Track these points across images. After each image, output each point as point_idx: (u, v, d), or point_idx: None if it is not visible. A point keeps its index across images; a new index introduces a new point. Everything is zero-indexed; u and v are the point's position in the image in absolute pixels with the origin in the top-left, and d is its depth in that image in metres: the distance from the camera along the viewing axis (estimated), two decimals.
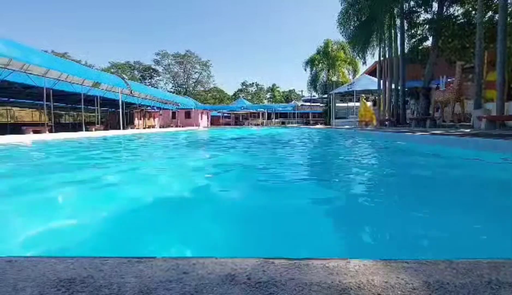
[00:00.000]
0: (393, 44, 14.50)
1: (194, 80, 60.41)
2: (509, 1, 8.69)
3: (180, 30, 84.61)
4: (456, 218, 1.90)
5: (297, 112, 37.94)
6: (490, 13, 11.61)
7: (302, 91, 49.48)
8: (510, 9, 9.06)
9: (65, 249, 1.49)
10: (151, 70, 58.49)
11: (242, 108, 39.22)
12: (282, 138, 11.41)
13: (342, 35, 16.62)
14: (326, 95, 29.72)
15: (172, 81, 59.47)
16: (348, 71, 33.23)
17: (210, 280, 0.72)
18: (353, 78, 29.14)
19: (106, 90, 17.83)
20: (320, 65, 32.72)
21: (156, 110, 29.12)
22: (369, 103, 19.35)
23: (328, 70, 32.48)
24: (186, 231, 1.73)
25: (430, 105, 12.05)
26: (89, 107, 21.55)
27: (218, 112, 42.04)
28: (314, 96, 36.50)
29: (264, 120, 37.18)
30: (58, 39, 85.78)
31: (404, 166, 4.47)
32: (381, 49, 16.02)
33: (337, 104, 24.89)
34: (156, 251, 1.46)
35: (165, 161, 5.27)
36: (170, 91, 51.64)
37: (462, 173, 3.64)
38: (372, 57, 17.61)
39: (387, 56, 15.39)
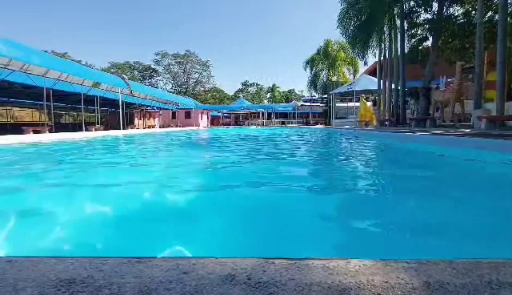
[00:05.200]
0: (393, 44, 14.49)
1: (194, 80, 60.42)
2: (509, 1, 8.69)
3: (180, 31, 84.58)
4: (458, 217, 1.90)
5: (297, 112, 37.93)
6: (490, 13, 11.62)
7: (302, 91, 49.43)
8: (510, 9, 9.06)
9: (67, 249, 1.49)
10: (151, 70, 58.48)
11: (242, 108, 39.22)
12: (282, 138, 11.42)
13: (342, 35, 16.62)
14: (326, 95, 29.71)
15: (172, 81, 59.50)
16: (348, 71, 33.23)
17: (210, 280, 0.72)
18: (353, 78, 29.12)
19: (106, 90, 17.82)
20: (320, 65, 32.70)
21: (156, 110, 29.13)
22: (369, 103, 19.35)
23: (328, 70, 32.47)
24: (187, 230, 1.73)
25: (430, 105, 12.05)
26: (89, 107, 21.54)
27: (218, 112, 42.05)
28: (314, 96, 36.48)
29: (264, 120, 37.19)
30: (58, 39, 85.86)
31: (404, 165, 4.47)
32: (381, 49, 16.02)
33: (337, 104, 24.88)
34: (156, 250, 1.46)
35: (167, 159, 5.27)
36: (170, 91, 51.65)
37: (462, 172, 3.64)
38: (374, 57, 17.61)
39: (387, 56, 15.39)
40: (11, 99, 19.93)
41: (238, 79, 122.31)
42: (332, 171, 4.09)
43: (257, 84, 68.73)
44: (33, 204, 2.31)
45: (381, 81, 16.67)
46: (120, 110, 18.67)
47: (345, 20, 15.54)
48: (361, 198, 2.48)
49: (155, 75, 59.31)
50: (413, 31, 14.25)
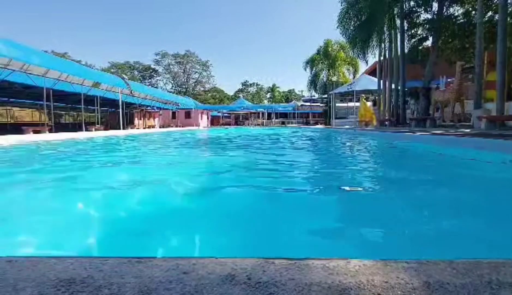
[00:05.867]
0: (393, 44, 14.49)
1: (194, 80, 60.44)
2: (509, 1, 8.69)
3: (180, 31, 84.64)
4: (458, 217, 1.90)
5: (297, 112, 37.95)
6: (490, 13, 11.61)
7: (302, 91, 49.43)
8: (510, 9, 9.06)
9: (68, 248, 1.49)
10: (151, 70, 58.49)
11: (242, 108, 39.23)
12: (282, 138, 11.42)
13: (342, 35, 16.61)
14: (326, 95, 29.71)
15: (172, 81, 59.52)
16: (348, 71, 33.23)
17: (210, 280, 0.72)
18: (353, 78, 29.12)
19: (106, 90, 17.83)
20: (320, 65, 32.70)
21: (156, 110, 29.14)
22: (369, 103, 19.34)
23: (328, 70, 32.46)
24: (187, 230, 1.73)
25: (430, 105, 12.05)
26: (89, 107, 21.55)
27: (218, 112, 42.06)
28: (314, 96, 36.49)
29: (264, 120, 37.21)
30: (58, 39, 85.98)
31: (404, 165, 4.47)
32: (381, 49, 16.01)
33: (337, 104, 24.87)
34: (156, 250, 1.46)
35: (168, 158, 5.27)
36: (170, 91, 51.67)
37: (461, 172, 3.64)
38: (374, 57, 17.62)
39: (387, 56, 15.39)
40: (11, 99, 19.94)
41: (238, 79, 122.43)
42: (332, 170, 4.09)
43: (257, 84, 68.79)
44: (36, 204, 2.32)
45: (381, 81, 16.67)
46: (120, 110, 18.67)
47: (345, 20, 15.53)
48: (361, 198, 2.48)
49: (155, 75, 59.36)
50: (413, 31, 14.24)
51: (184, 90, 57.61)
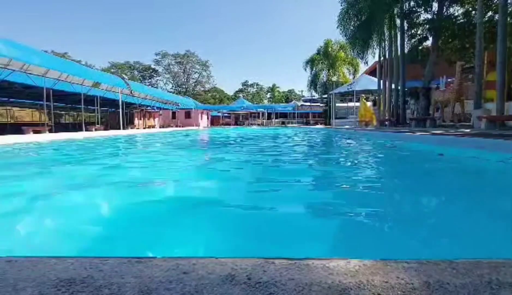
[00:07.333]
0: (393, 44, 14.49)
1: (194, 80, 60.45)
2: (509, 1, 8.69)
3: (180, 31, 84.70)
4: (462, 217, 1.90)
5: (297, 112, 37.95)
6: (490, 13, 11.61)
7: (302, 91, 49.41)
8: (510, 9, 9.06)
9: (69, 248, 1.49)
10: (151, 70, 58.49)
11: (242, 108, 39.23)
12: (282, 138, 11.42)
13: (342, 35, 16.61)
14: (326, 95, 29.71)
15: (172, 81, 59.54)
16: (348, 71, 33.23)
17: (210, 280, 0.72)
18: (353, 78, 29.10)
19: (106, 90, 17.82)
20: (320, 65, 32.70)
21: (156, 110, 29.13)
22: (369, 103, 19.34)
23: (328, 70, 32.46)
24: (187, 230, 1.73)
25: (430, 105, 12.05)
26: (89, 107, 21.53)
27: (218, 112, 42.08)
28: (314, 96, 36.48)
29: (264, 121, 37.22)
30: (58, 39, 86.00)
31: (404, 165, 4.47)
32: (381, 49, 16.01)
33: (337, 104, 24.86)
34: (155, 250, 1.46)
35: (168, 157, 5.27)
36: (170, 91, 51.67)
37: (460, 172, 3.64)
38: (373, 57, 17.60)
39: (387, 56, 15.39)
40: (11, 99, 19.92)
41: (238, 79, 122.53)
42: (331, 171, 4.09)
43: (257, 84, 68.78)
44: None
45: (381, 81, 16.67)
46: (120, 110, 18.67)
47: (345, 20, 15.53)
48: (361, 196, 2.48)
49: (155, 75, 59.38)
50: (413, 31, 14.22)
51: (184, 90, 57.60)
